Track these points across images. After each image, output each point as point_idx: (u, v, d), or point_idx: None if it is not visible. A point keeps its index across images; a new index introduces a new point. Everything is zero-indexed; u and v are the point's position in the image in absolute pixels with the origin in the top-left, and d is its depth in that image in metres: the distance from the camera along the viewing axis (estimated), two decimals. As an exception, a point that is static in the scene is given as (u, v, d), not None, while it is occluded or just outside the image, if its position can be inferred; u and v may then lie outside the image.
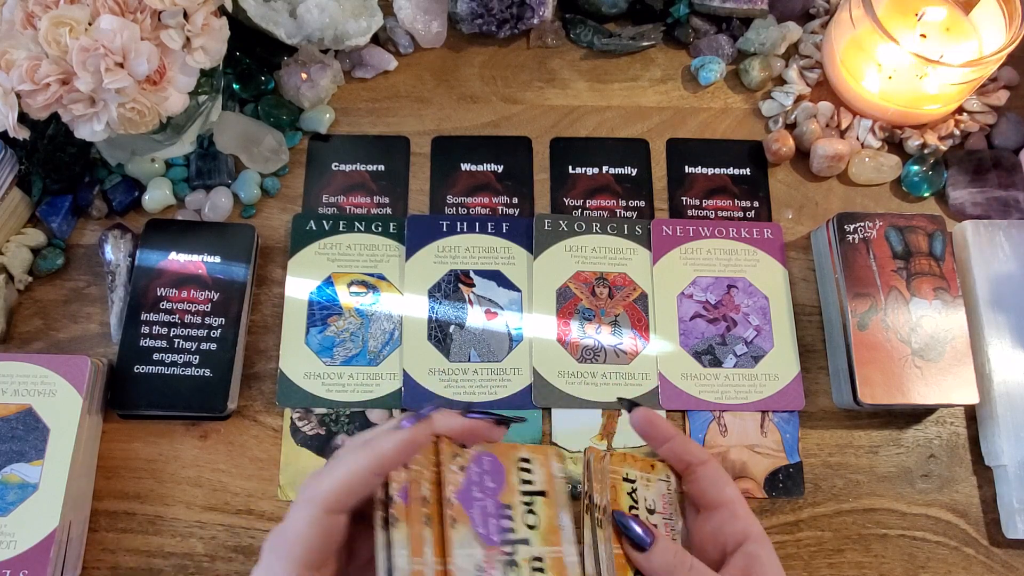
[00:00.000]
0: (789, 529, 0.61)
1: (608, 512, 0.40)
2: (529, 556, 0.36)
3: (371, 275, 0.65)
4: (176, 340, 0.60)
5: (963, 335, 0.62)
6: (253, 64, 0.70)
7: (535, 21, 0.73)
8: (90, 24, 0.54)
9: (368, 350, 0.63)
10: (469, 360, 0.63)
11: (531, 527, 0.37)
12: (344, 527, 0.35)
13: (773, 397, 0.63)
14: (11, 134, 0.54)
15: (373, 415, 0.62)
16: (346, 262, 0.65)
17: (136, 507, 0.59)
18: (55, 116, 0.56)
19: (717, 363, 0.64)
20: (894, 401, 0.60)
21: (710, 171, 0.71)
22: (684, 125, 0.73)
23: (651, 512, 0.41)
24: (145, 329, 0.60)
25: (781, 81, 0.74)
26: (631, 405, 0.44)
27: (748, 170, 0.71)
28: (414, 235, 0.66)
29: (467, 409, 0.39)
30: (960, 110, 0.72)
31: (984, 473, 0.63)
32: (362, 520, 0.36)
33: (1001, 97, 0.73)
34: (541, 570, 0.36)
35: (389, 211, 0.68)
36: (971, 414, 0.64)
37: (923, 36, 0.70)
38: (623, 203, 0.70)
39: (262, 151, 0.67)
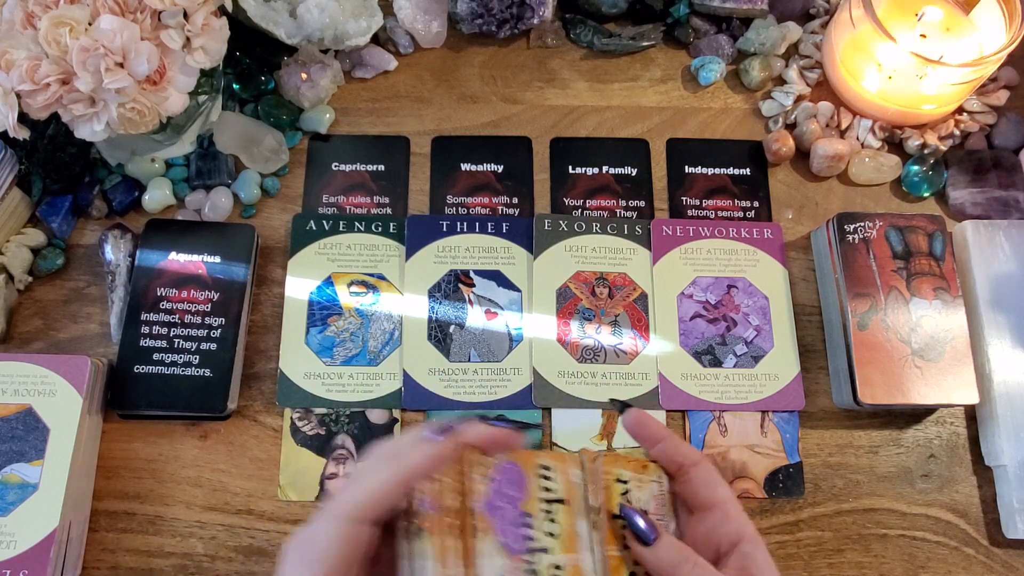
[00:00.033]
0: (789, 529, 0.61)
1: (602, 514, 0.39)
2: (549, 564, 0.36)
3: (371, 275, 0.65)
4: (176, 340, 0.60)
5: (963, 335, 0.62)
6: (253, 64, 0.70)
7: (535, 21, 0.73)
8: (90, 24, 0.54)
9: (368, 350, 0.63)
10: (469, 360, 0.63)
11: (551, 535, 0.37)
12: (370, 537, 0.35)
13: (773, 397, 0.63)
14: (11, 134, 0.54)
15: (373, 415, 0.62)
16: (346, 262, 0.65)
17: (136, 507, 0.59)
18: (55, 116, 0.56)
19: (717, 363, 0.64)
20: (894, 401, 0.60)
21: (710, 171, 0.71)
22: (684, 125, 0.73)
23: (644, 513, 0.41)
24: (145, 329, 0.60)
25: (781, 81, 0.74)
26: (623, 406, 0.44)
27: (748, 170, 0.71)
28: (414, 235, 0.66)
29: (486, 417, 0.39)
30: (960, 110, 0.72)
31: (984, 473, 0.63)
32: (385, 529, 0.36)
33: (1001, 97, 0.73)
34: None
35: (389, 211, 0.68)
36: (971, 414, 0.64)
37: (923, 36, 0.70)
38: (623, 203, 0.70)
39: (262, 151, 0.67)
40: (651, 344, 0.64)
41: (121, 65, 0.54)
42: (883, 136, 0.71)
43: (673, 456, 0.42)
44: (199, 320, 0.61)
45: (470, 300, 0.65)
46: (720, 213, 0.70)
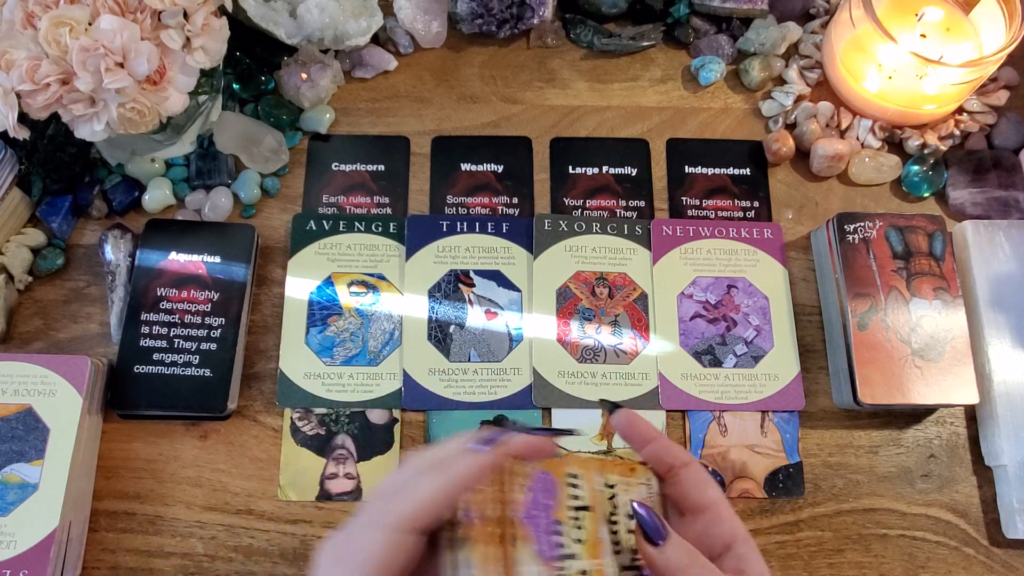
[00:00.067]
0: (789, 529, 0.61)
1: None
2: (577, 570, 0.37)
3: (371, 275, 0.65)
4: (176, 340, 0.60)
5: (963, 335, 0.62)
6: (253, 64, 0.70)
7: (535, 21, 0.73)
8: (90, 24, 0.54)
9: (368, 350, 0.63)
10: (469, 360, 0.63)
11: (578, 541, 0.38)
12: (414, 547, 0.36)
13: (773, 397, 0.63)
14: (11, 134, 0.54)
15: (373, 415, 0.62)
16: (346, 262, 0.65)
17: (136, 507, 0.59)
18: (55, 116, 0.56)
19: (717, 363, 0.64)
20: (894, 401, 0.60)
21: (710, 171, 0.71)
22: (684, 125, 0.73)
23: (631, 517, 0.41)
24: (145, 329, 0.60)
25: (781, 81, 0.74)
26: (612, 407, 0.44)
27: (748, 170, 0.71)
28: (414, 235, 0.66)
29: (525, 426, 0.40)
30: (960, 110, 0.72)
31: (984, 473, 0.63)
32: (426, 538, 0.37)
33: (1001, 97, 0.73)
34: None
35: (389, 211, 0.68)
36: (971, 414, 0.64)
37: (923, 36, 0.70)
38: (623, 203, 0.70)
39: (262, 151, 0.67)
40: (651, 344, 0.64)
41: (121, 65, 0.54)
42: (883, 136, 0.71)
43: (663, 457, 0.42)
44: (199, 320, 0.61)
45: (470, 300, 0.65)
46: (720, 213, 0.70)
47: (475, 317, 0.64)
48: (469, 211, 0.68)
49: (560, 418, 0.62)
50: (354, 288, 0.65)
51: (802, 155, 0.71)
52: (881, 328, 0.61)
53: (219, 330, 0.61)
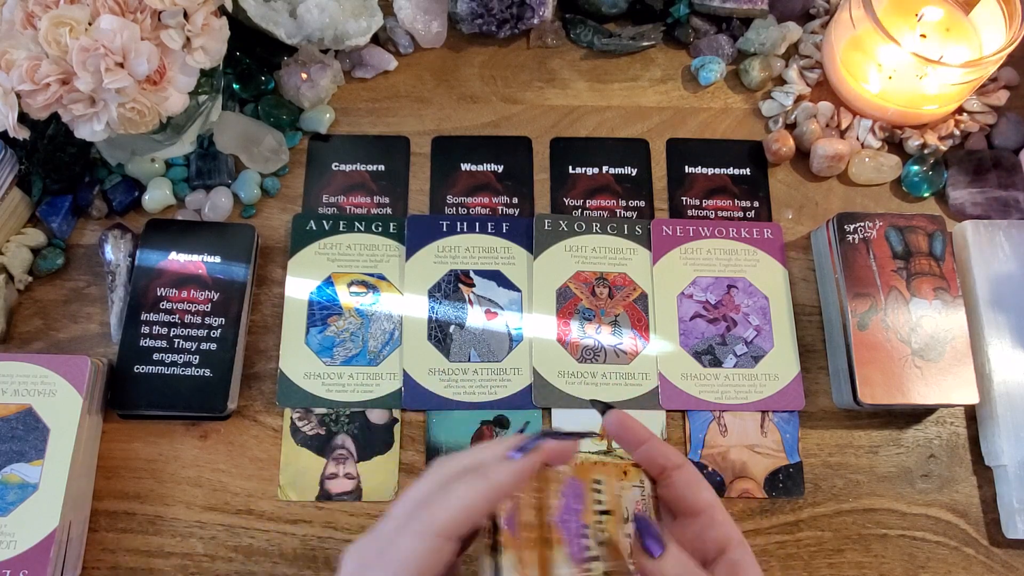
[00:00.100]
0: (789, 529, 0.61)
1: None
2: (600, 572, 0.39)
3: (371, 275, 0.65)
4: (176, 340, 0.60)
5: (963, 335, 0.62)
6: (253, 64, 0.70)
7: (535, 21, 0.73)
8: (90, 24, 0.54)
9: (368, 350, 0.63)
10: (469, 360, 0.63)
11: (602, 544, 0.40)
12: (452, 553, 0.36)
13: (773, 397, 0.63)
14: (11, 134, 0.54)
15: (373, 415, 0.62)
16: (346, 262, 0.65)
17: (136, 507, 0.59)
18: (55, 116, 0.56)
19: (717, 363, 0.64)
20: (894, 401, 0.60)
21: (710, 171, 0.71)
22: (684, 125, 0.73)
23: (624, 521, 0.41)
24: (145, 329, 0.60)
25: (781, 81, 0.74)
26: (604, 407, 0.44)
27: (748, 170, 0.71)
28: (414, 235, 0.66)
29: (556, 432, 0.41)
30: (960, 110, 0.72)
31: (984, 473, 0.63)
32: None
33: (1001, 97, 0.73)
34: None
35: (389, 211, 0.68)
36: (971, 414, 0.64)
37: (923, 36, 0.70)
38: (623, 203, 0.70)
39: (262, 151, 0.67)
40: (651, 344, 0.64)
41: (121, 65, 0.54)
42: (883, 136, 0.71)
43: (656, 458, 0.42)
44: (199, 320, 0.61)
45: (470, 300, 0.65)
46: (720, 213, 0.70)
47: (475, 317, 0.64)
48: (469, 211, 0.68)
49: (560, 418, 0.62)
50: (354, 288, 0.65)
51: (802, 155, 0.71)
52: (881, 328, 0.61)
53: (219, 330, 0.61)
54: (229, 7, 0.60)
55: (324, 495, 0.60)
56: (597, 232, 0.67)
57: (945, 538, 0.61)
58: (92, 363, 0.57)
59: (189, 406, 0.59)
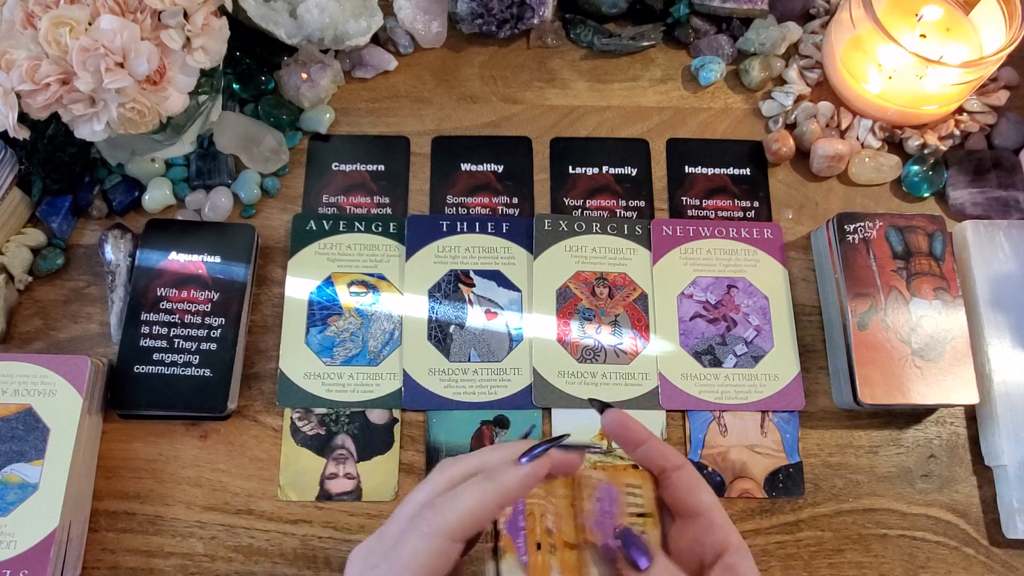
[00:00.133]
0: (789, 529, 0.61)
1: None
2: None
3: (371, 275, 0.65)
4: (176, 340, 0.60)
5: (963, 335, 0.62)
6: (253, 64, 0.70)
7: (535, 21, 0.73)
8: (90, 24, 0.54)
9: (368, 350, 0.63)
10: (469, 360, 0.63)
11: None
12: (458, 553, 0.37)
13: (773, 397, 0.63)
14: (11, 134, 0.54)
15: (373, 415, 0.62)
16: (346, 262, 0.65)
17: (136, 507, 0.59)
18: (55, 116, 0.56)
19: (717, 363, 0.64)
20: (894, 401, 0.60)
21: (710, 171, 0.71)
22: (684, 125, 0.73)
23: (641, 537, 0.41)
24: (145, 329, 0.60)
25: (781, 81, 0.74)
26: (603, 407, 0.43)
27: (748, 170, 0.71)
28: (414, 235, 0.66)
29: (561, 443, 0.41)
30: (960, 110, 0.72)
31: (984, 473, 0.63)
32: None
33: (1001, 97, 0.73)
34: None
35: (389, 211, 0.68)
36: (971, 414, 0.64)
37: (923, 36, 0.70)
38: (623, 203, 0.70)
39: (262, 151, 0.67)
40: (651, 344, 0.64)
41: (121, 65, 0.54)
42: (883, 136, 0.71)
43: (655, 459, 0.42)
44: (199, 320, 0.61)
45: (470, 300, 0.65)
46: (720, 213, 0.70)
47: (475, 317, 0.64)
48: (469, 211, 0.68)
49: (560, 418, 0.62)
50: (354, 288, 0.65)
51: (802, 155, 0.71)
52: (881, 328, 0.61)
53: (219, 330, 0.61)
54: (229, 7, 0.60)
55: (324, 495, 0.60)
56: (597, 232, 0.67)
57: (945, 538, 0.61)
58: (92, 363, 0.57)
59: (189, 406, 0.59)
